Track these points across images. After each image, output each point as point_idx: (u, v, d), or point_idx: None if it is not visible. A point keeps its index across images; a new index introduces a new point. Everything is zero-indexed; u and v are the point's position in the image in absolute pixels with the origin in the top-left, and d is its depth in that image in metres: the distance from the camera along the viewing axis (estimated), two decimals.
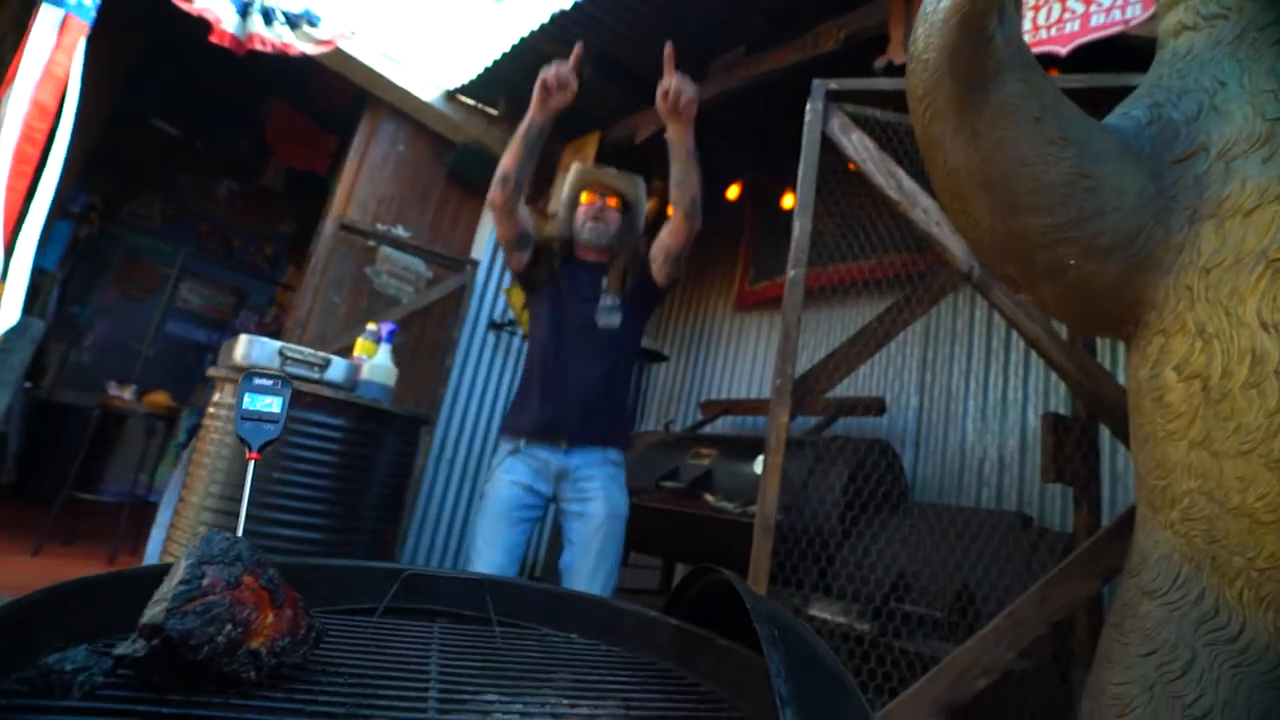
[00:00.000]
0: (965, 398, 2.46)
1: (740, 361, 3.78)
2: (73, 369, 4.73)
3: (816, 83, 1.73)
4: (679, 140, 1.63)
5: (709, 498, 2.58)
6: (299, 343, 2.48)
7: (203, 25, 2.82)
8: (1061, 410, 1.74)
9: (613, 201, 1.85)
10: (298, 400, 1.81)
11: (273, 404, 0.58)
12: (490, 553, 1.61)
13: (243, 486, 1.79)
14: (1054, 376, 2.10)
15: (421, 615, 0.77)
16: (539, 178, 1.99)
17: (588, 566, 1.62)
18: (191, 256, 5.42)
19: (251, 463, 0.57)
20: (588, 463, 1.68)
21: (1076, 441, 1.44)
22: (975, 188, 0.97)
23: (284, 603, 0.49)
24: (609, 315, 1.75)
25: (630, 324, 1.79)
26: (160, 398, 3.68)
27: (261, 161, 5.44)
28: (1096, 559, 1.25)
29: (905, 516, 1.96)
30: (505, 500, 1.65)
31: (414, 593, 0.78)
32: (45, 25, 2.41)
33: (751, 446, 2.65)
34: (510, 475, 1.67)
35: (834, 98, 1.71)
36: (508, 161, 1.69)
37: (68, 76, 2.46)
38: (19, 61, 2.36)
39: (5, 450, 3.86)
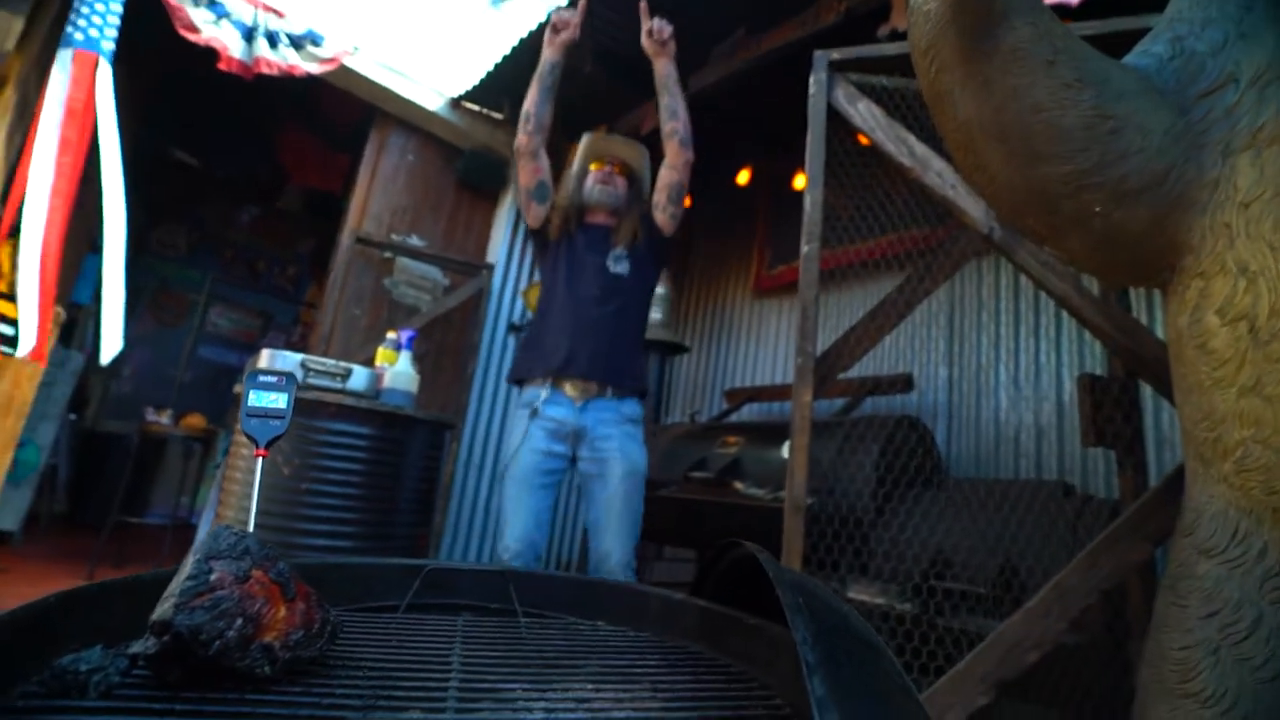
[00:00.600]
0: (996, 367, 2.39)
1: (763, 348, 3.74)
2: (113, 399, 4.88)
3: (818, 54, 1.69)
4: (666, 73, 1.81)
5: (738, 486, 2.55)
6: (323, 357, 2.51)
7: (211, 55, 2.87)
8: (1098, 371, 1.67)
9: (619, 169, 1.95)
10: (322, 411, 1.83)
11: (279, 400, 0.57)
12: (517, 521, 1.66)
13: (275, 498, 1.80)
14: (1088, 336, 2.02)
15: (446, 610, 0.76)
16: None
17: (613, 524, 1.67)
18: (218, 282, 5.55)
19: (260, 459, 0.56)
20: (603, 420, 1.71)
21: (1116, 402, 1.38)
22: (989, 139, 0.93)
23: (296, 596, 0.48)
24: (618, 262, 1.82)
25: (640, 272, 1.85)
26: (196, 420, 3.77)
27: (279, 185, 5.54)
28: (1146, 521, 1.19)
29: (941, 492, 1.90)
30: (526, 467, 1.69)
31: (437, 588, 0.78)
32: (64, 65, 2.48)
33: (778, 432, 2.61)
34: (530, 443, 1.70)
35: (837, 68, 1.67)
36: (528, 102, 1.83)
37: (91, 112, 2.52)
38: (42, 101, 2.43)
39: (56, 480, 3.99)
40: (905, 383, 2.72)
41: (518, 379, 1.84)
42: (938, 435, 2.49)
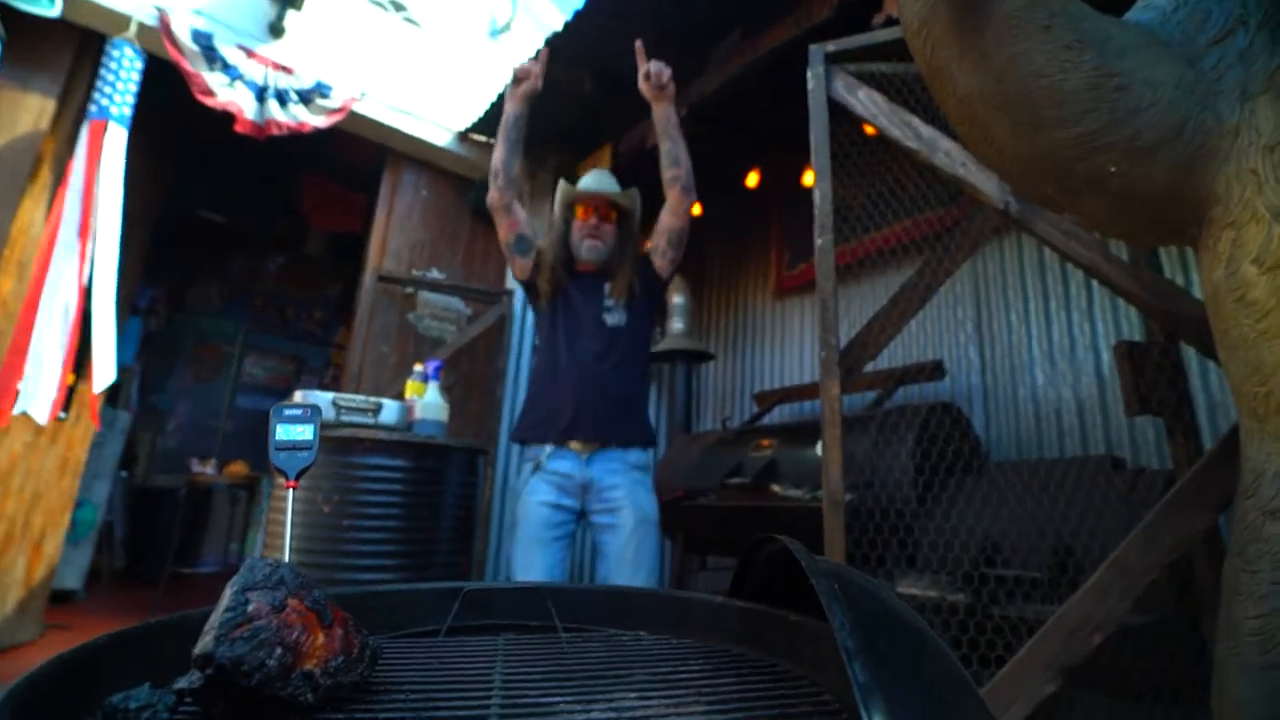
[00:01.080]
0: (1028, 344, 2.32)
1: (789, 348, 3.71)
2: (161, 453, 5.04)
3: (813, 48, 1.69)
4: (666, 117, 1.76)
5: (776, 488, 2.52)
6: None
7: (228, 118, 2.99)
8: (1135, 337, 1.62)
9: (605, 212, 1.86)
10: (357, 447, 1.86)
11: (304, 431, 0.59)
12: (528, 579, 1.59)
13: (318, 536, 1.83)
14: (1121, 303, 1.96)
15: (487, 630, 0.76)
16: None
17: (625, 574, 1.61)
18: (250, 332, 5.73)
19: (291, 490, 0.57)
20: (610, 470, 1.67)
21: (1157, 367, 1.33)
22: (992, 111, 0.91)
23: (333, 622, 0.49)
24: (614, 314, 1.79)
25: (637, 320, 1.81)
26: (239, 468, 3.87)
27: (301, 233, 5.72)
28: (1204, 488, 1.14)
29: (983, 477, 1.85)
30: (534, 523, 1.64)
31: (476, 609, 0.78)
32: (89, 137, 2.61)
33: (811, 431, 2.57)
34: (535, 496, 1.66)
35: (834, 60, 1.67)
36: (496, 157, 1.79)
37: (111, 179, 2.63)
38: (69, 173, 2.55)
39: (113, 537, 4.13)
40: (936, 370, 2.66)
41: (520, 439, 1.79)
42: (975, 420, 2.43)
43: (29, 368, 2.38)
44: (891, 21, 2.08)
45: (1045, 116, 0.87)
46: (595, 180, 1.91)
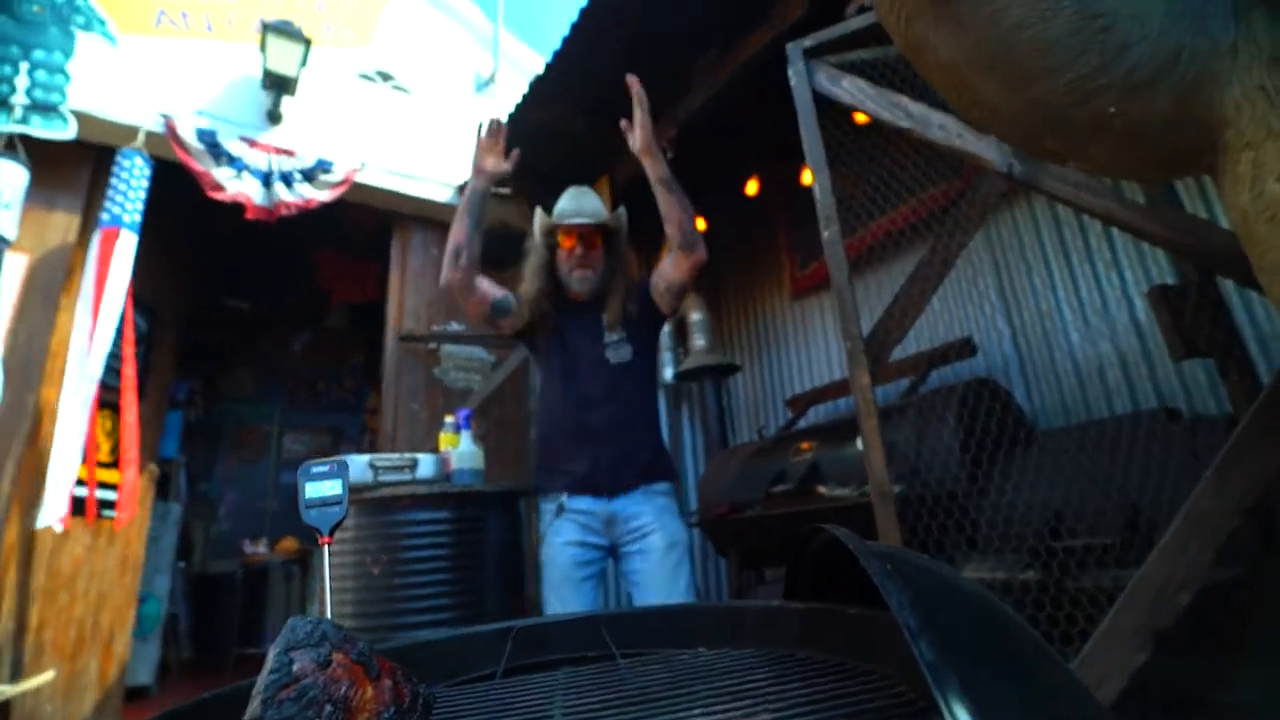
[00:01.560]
0: (1058, 307, 2.25)
1: (814, 349, 3.66)
2: (214, 540, 5.15)
3: (790, 46, 1.70)
4: (656, 175, 1.66)
5: (822, 490, 2.46)
6: None
7: (239, 208, 3.11)
8: (1167, 280, 1.56)
9: (594, 240, 1.76)
10: (397, 505, 1.87)
11: (334, 486, 0.59)
12: None
13: (371, 599, 1.83)
14: (1146, 247, 1.90)
15: (544, 668, 0.75)
16: None
17: (660, 599, 1.53)
18: (287, 410, 5.87)
19: (326, 547, 0.57)
20: (634, 502, 1.63)
21: (1197, 307, 1.27)
22: (979, 73, 0.90)
23: (380, 673, 0.48)
24: (618, 350, 1.71)
25: (642, 352, 1.75)
26: (289, 544, 3.92)
27: (323, 308, 5.88)
28: (1271, 424, 1.08)
29: (1033, 448, 1.79)
30: (562, 566, 1.59)
31: (531, 647, 0.76)
32: (100, 244, 2.72)
33: (850, 428, 2.52)
34: (560, 537, 1.61)
35: (812, 54, 1.67)
36: (457, 235, 1.67)
37: (120, 283, 2.72)
38: (81, 279, 2.65)
39: (178, 628, 4.20)
40: (967, 347, 2.60)
41: (539, 489, 1.75)
42: (1015, 391, 2.36)
43: (50, 480, 2.42)
44: (865, 9, 2.09)
45: (1034, 68, 0.85)
46: (574, 202, 1.80)
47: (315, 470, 0.60)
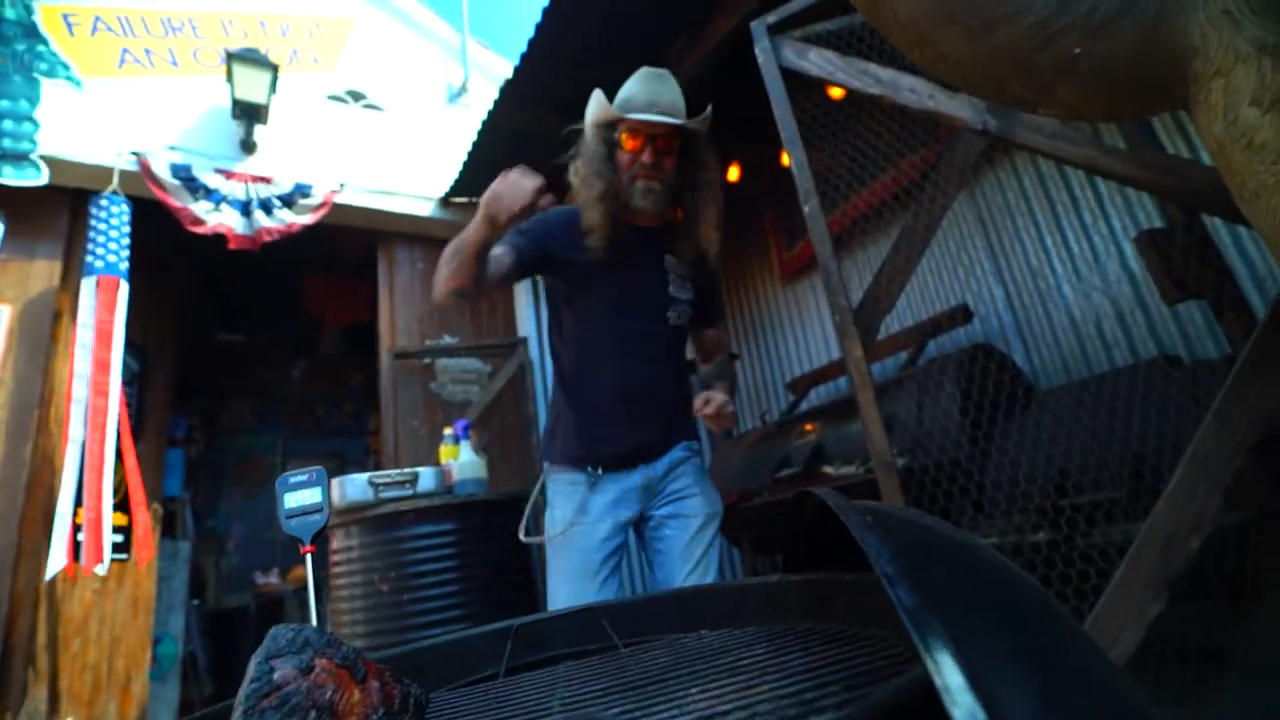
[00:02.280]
0: (1049, 263, 2.24)
1: (810, 330, 3.65)
2: (226, 574, 5.13)
3: (754, 25, 1.69)
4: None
5: (828, 470, 2.44)
6: None
7: (221, 240, 3.09)
8: (1155, 224, 1.54)
9: (667, 142, 1.37)
10: (401, 520, 1.86)
11: (313, 495, 0.58)
12: None
13: (383, 616, 1.81)
14: (1131, 191, 1.88)
15: (546, 664, 0.73)
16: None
17: (692, 578, 1.33)
18: (288, 439, 5.85)
19: (309, 555, 0.56)
20: (674, 460, 1.43)
21: (1185, 248, 1.26)
22: (939, 25, 0.89)
23: (367, 675, 0.46)
24: (679, 310, 1.44)
25: (696, 297, 1.50)
26: (300, 572, 3.90)
27: (316, 334, 5.86)
28: (1267, 359, 1.07)
29: (1037, 408, 1.77)
30: (584, 551, 1.33)
31: (532, 644, 0.75)
32: (90, 291, 2.70)
33: (851, 406, 2.50)
34: (590, 517, 1.35)
35: (777, 30, 1.66)
36: (460, 281, 1.26)
37: (114, 328, 2.71)
38: (75, 329, 2.63)
39: (197, 666, 4.18)
40: (963, 314, 2.58)
41: (561, 459, 1.43)
42: (1014, 354, 2.34)
43: (56, 528, 2.40)
44: None
45: (994, 15, 0.84)
46: (646, 89, 1.38)
47: (293, 480, 0.59)
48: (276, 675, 0.43)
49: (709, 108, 1.45)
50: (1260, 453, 1.19)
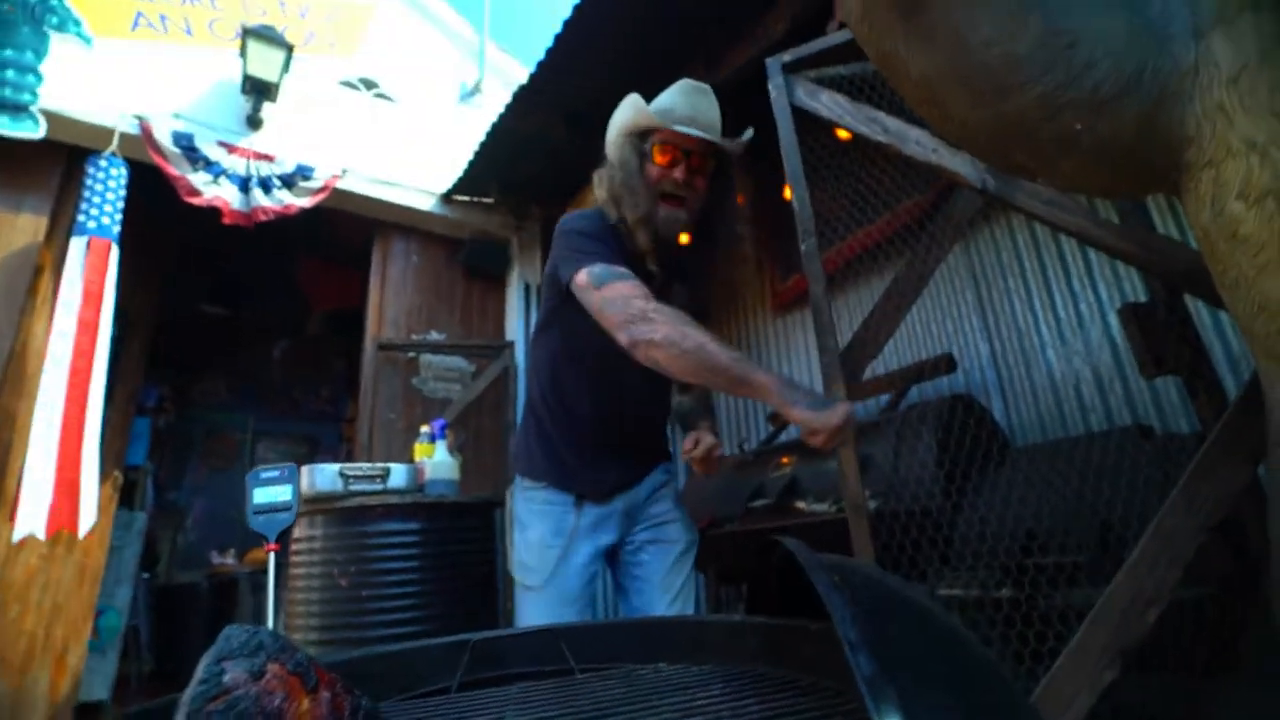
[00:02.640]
0: (1036, 327, 2.28)
1: (796, 363, 3.67)
2: (182, 550, 5.01)
3: (770, 61, 1.71)
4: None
5: (800, 505, 2.45)
6: None
7: (216, 213, 3.06)
8: (1140, 298, 1.58)
9: (701, 161, 1.26)
10: (368, 515, 1.83)
11: (283, 492, 0.57)
12: None
13: (338, 610, 1.78)
14: (1121, 267, 1.93)
15: (501, 682, 0.72)
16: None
17: (673, 609, 1.29)
18: (262, 419, 5.75)
19: (272, 554, 0.55)
20: (655, 484, 1.40)
21: (1166, 325, 1.29)
22: (950, 86, 0.91)
23: (318, 685, 0.46)
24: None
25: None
26: (260, 554, 3.82)
27: (303, 315, 5.80)
28: (1236, 440, 1.09)
29: (1011, 465, 1.79)
30: (565, 581, 1.26)
31: (489, 660, 0.74)
32: (79, 251, 2.66)
33: None
34: (564, 541, 1.27)
35: (791, 69, 1.69)
36: (689, 380, 1.23)
37: (103, 291, 2.66)
38: (60, 288, 2.59)
39: (139, 641, 4.07)
40: (947, 364, 2.62)
41: (540, 475, 1.35)
42: (994, 408, 2.37)
43: (25, 487, 2.35)
44: (844, 26, 2.12)
45: (1003, 83, 0.86)
46: (687, 101, 1.27)
47: (265, 475, 0.58)
48: (226, 678, 0.42)
49: (749, 129, 1.34)
50: (1223, 530, 1.22)
